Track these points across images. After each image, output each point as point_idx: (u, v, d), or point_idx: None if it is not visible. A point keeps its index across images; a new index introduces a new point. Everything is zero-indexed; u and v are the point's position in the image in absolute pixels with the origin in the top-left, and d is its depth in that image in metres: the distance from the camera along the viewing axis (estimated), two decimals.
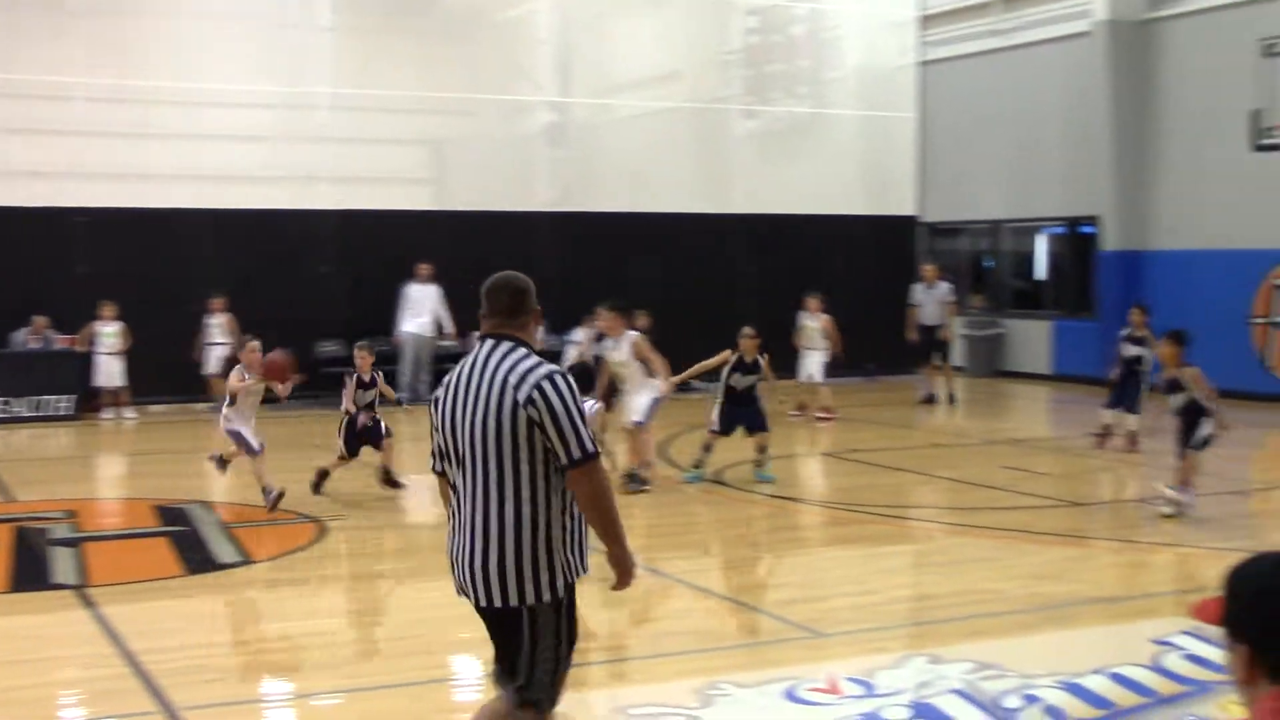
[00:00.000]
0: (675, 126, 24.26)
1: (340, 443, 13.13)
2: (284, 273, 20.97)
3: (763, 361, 14.18)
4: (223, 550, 10.91)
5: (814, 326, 19.27)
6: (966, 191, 25.91)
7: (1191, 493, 11.81)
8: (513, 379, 4.91)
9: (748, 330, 14.33)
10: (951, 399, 21.02)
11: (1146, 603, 9.25)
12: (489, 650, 5.20)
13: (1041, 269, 26.25)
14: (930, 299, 21.42)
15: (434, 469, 5.26)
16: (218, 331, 19.85)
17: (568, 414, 4.85)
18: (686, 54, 24.67)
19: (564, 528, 4.97)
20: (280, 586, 9.87)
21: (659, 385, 13.42)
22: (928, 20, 26.11)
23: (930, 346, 21.46)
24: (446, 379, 5.20)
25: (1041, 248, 26.11)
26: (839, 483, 14.13)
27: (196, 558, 10.58)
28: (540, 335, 5.28)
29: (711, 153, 24.66)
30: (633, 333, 13.69)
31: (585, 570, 5.10)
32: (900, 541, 11.74)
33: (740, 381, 14.00)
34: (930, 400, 21.17)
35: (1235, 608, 2.75)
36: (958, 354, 24.93)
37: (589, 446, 4.87)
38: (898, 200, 25.68)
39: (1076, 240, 24.44)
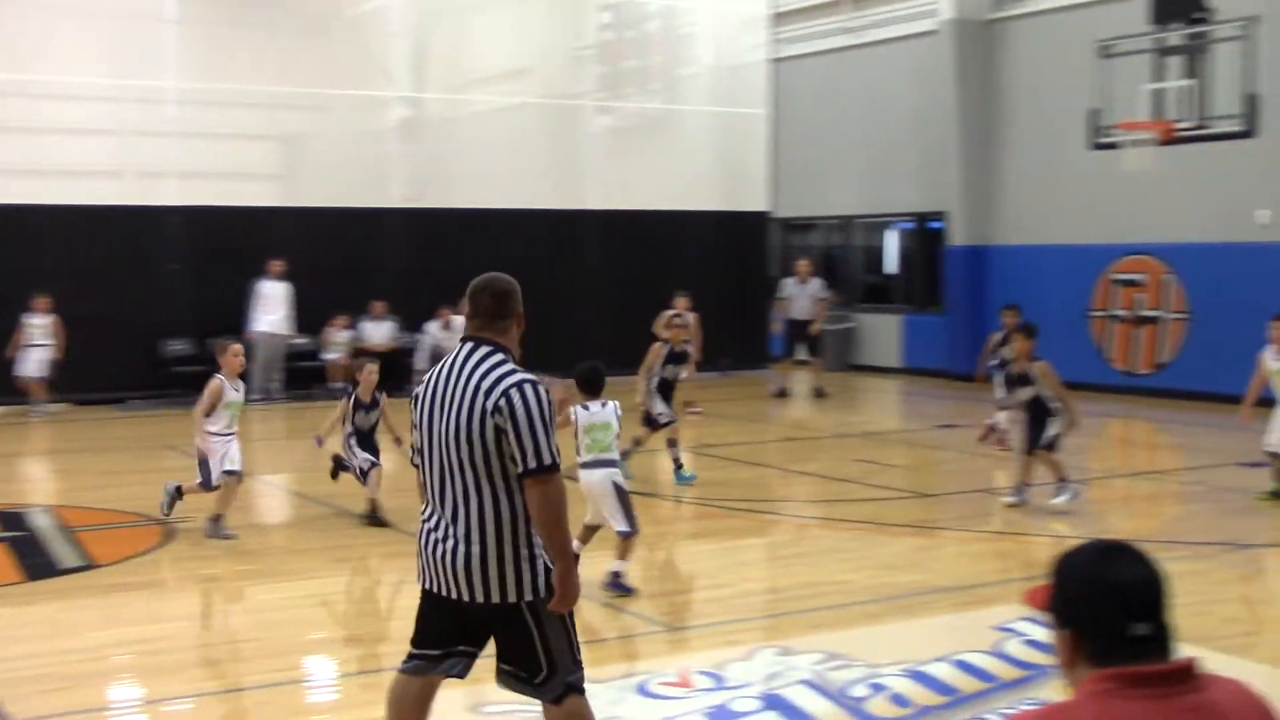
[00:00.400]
0: (529, 122, 24.24)
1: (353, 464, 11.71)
2: (130, 270, 20.52)
3: (690, 349, 14.23)
4: (65, 555, 10.66)
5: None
6: (818, 187, 26.26)
7: (1026, 491, 12.07)
8: (485, 385, 4.98)
9: (677, 319, 14.47)
10: (819, 393, 21.24)
11: (990, 590, 9.45)
12: (344, 651, 5.16)
13: (892, 264, 26.70)
14: (803, 294, 21.64)
15: (413, 462, 5.37)
16: (39, 333, 19.11)
17: (530, 423, 4.90)
18: (540, 50, 24.66)
19: (527, 529, 5.05)
20: (126, 591, 9.67)
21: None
22: (779, 17, 26.39)
23: (798, 341, 21.72)
24: (427, 377, 5.26)
25: (892, 243, 26.56)
26: (702, 477, 14.22)
27: (36, 563, 10.32)
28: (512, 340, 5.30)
29: (565, 149, 24.67)
30: None
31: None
32: (754, 535, 11.86)
33: (673, 371, 13.98)
34: (783, 394, 21.39)
35: (1058, 595, 2.85)
36: (786, 351, 25.28)
37: (546, 459, 4.90)
38: (750, 196, 25.91)
39: (925, 235, 24.90)
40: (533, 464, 4.89)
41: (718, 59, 26.02)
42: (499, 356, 5.10)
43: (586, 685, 5.27)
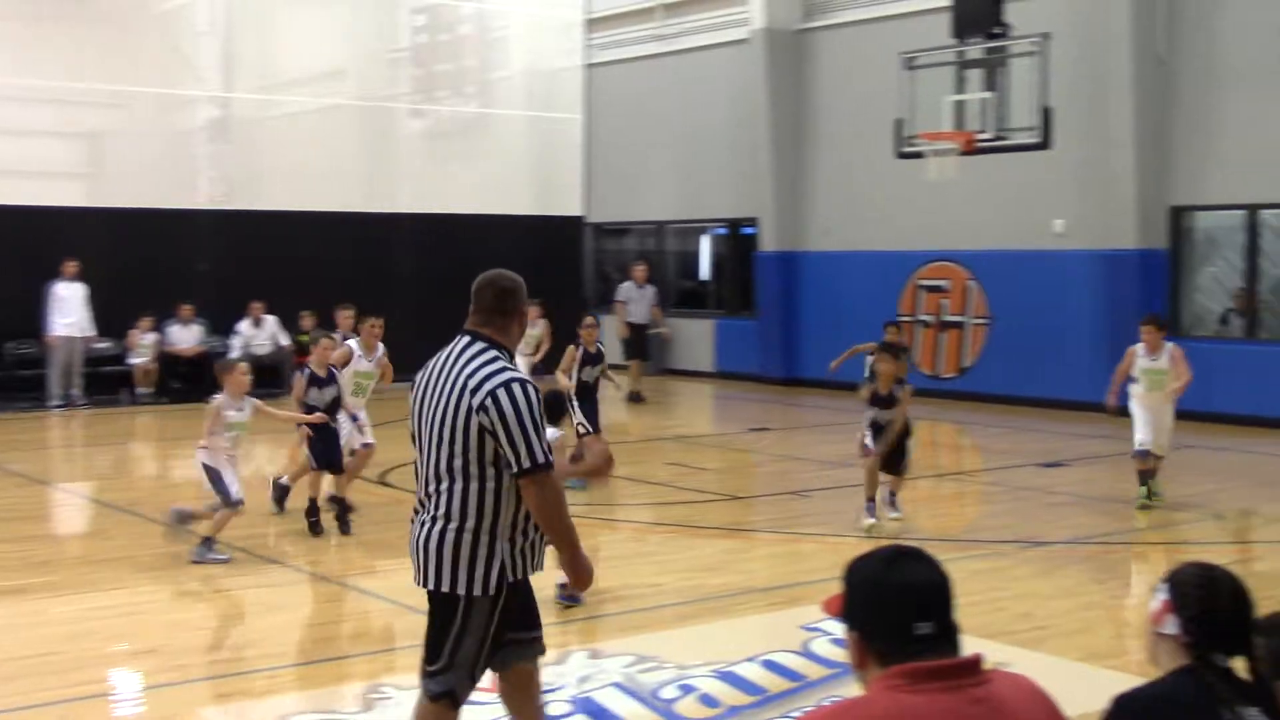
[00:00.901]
0: (342, 124, 23.97)
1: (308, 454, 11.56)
2: None
3: (603, 349, 14.28)
4: None
5: (534, 334, 19.05)
6: (632, 192, 26.44)
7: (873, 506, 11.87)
8: (472, 383, 4.99)
9: (588, 319, 14.49)
10: (635, 397, 21.33)
11: (798, 591, 9.62)
12: (146, 662, 5.05)
13: (705, 269, 26.99)
14: (641, 298, 21.69)
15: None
16: None
17: (519, 423, 4.91)
18: (353, 51, 24.41)
19: (513, 525, 5.07)
20: None
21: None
22: (594, 23, 26.52)
23: (638, 345, 21.85)
24: (425, 366, 5.30)
25: (705, 248, 26.85)
26: None
27: None
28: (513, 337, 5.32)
29: (379, 151, 24.45)
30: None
31: (536, 568, 5.26)
32: None
33: (590, 374, 13.93)
34: (637, 398, 21.35)
35: (848, 598, 2.94)
36: (621, 353, 25.40)
37: (539, 457, 4.93)
38: (565, 200, 25.97)
39: (738, 241, 25.23)
40: (526, 464, 4.92)
41: (532, 63, 26.03)
42: (491, 354, 5.10)
43: (394, 693, 5.25)
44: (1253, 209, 18.57)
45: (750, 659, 7.73)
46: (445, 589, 5.06)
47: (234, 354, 20.70)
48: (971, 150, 16.76)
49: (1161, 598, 3.55)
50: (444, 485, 5.06)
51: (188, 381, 21.22)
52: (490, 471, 4.99)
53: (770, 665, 7.67)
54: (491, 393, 4.94)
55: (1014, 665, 7.16)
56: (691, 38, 25.44)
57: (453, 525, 5.03)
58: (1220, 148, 18.53)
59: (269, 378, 21.71)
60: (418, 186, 24.29)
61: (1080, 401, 19.27)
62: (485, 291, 5.30)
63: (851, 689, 7.06)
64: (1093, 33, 19.14)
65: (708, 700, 7.15)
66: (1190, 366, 12.64)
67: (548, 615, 9.02)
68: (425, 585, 5.14)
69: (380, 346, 12.65)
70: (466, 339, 5.19)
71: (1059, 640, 8.28)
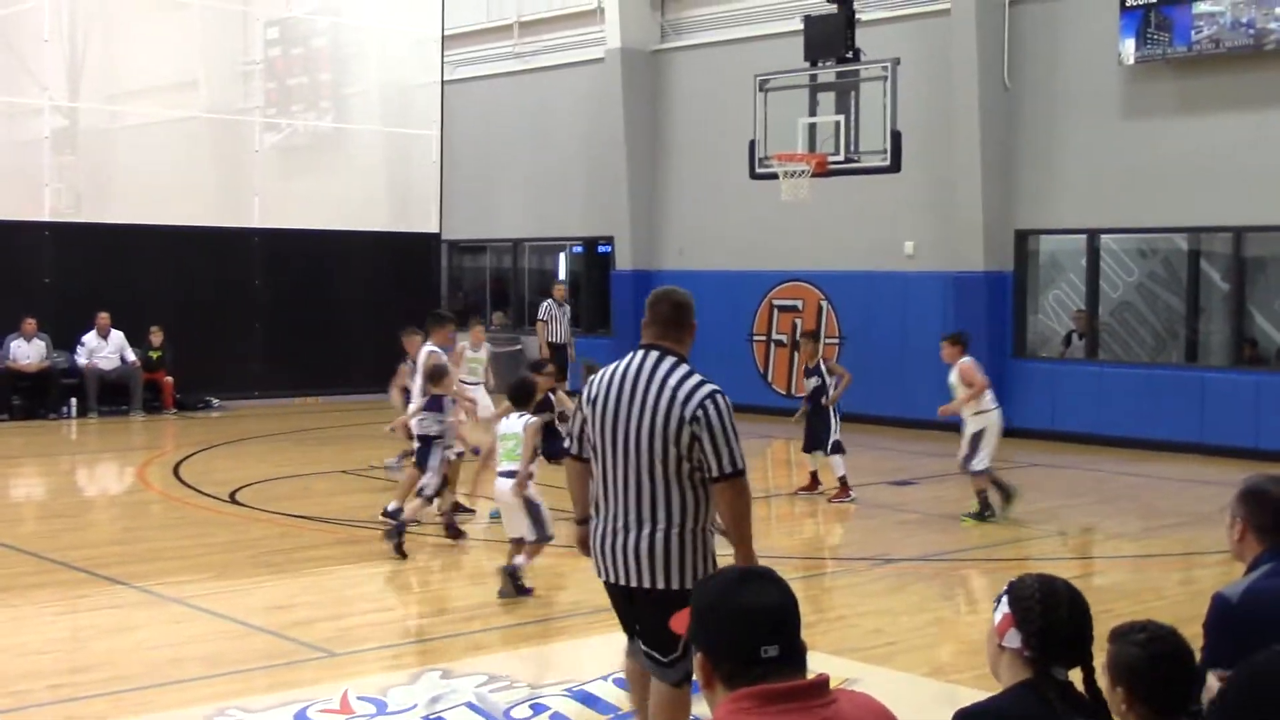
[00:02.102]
0: (192, 136, 23.53)
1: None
2: None
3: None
4: None
5: (479, 357, 18.39)
6: (489, 210, 26.37)
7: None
8: (681, 394, 5.34)
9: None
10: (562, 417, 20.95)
11: None
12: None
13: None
14: (563, 316, 21.37)
15: (571, 452, 5.76)
16: None
17: (724, 432, 5.32)
18: (205, 62, 24.03)
19: (708, 525, 5.50)
20: None
21: None
22: (451, 39, 26.40)
23: (560, 365, 21.24)
24: (599, 377, 5.59)
25: (562, 266, 26.86)
26: (356, 500, 14.04)
27: None
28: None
29: (231, 165, 24.06)
30: None
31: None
32: (419, 558, 11.78)
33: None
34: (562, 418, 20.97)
35: (694, 619, 2.96)
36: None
37: (739, 464, 5.36)
38: (421, 217, 25.78)
39: (595, 259, 25.28)
40: (728, 469, 5.33)
41: (388, 79, 25.84)
42: (686, 367, 5.45)
43: (240, 715, 5.17)
44: (1093, 233, 19.09)
45: (603, 677, 7.73)
46: (675, 586, 5.39)
47: (79, 366, 20.29)
48: (823, 172, 16.99)
49: (1003, 611, 3.61)
50: (647, 490, 5.40)
51: (30, 398, 20.69)
52: (696, 476, 5.38)
53: (621, 684, 7.66)
54: (701, 403, 5.31)
55: (865, 681, 7.26)
56: (548, 56, 25.48)
57: (667, 527, 5.41)
58: (1062, 173, 19.03)
59: (114, 395, 21.29)
60: (271, 201, 23.94)
61: (930, 420, 19.61)
62: (663, 305, 5.60)
63: (702, 707, 7.11)
64: (941, 59, 19.55)
65: (559, 719, 7.14)
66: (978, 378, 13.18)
67: (395, 636, 8.96)
68: (646, 585, 5.42)
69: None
70: (654, 353, 5.49)
71: (909, 655, 8.41)
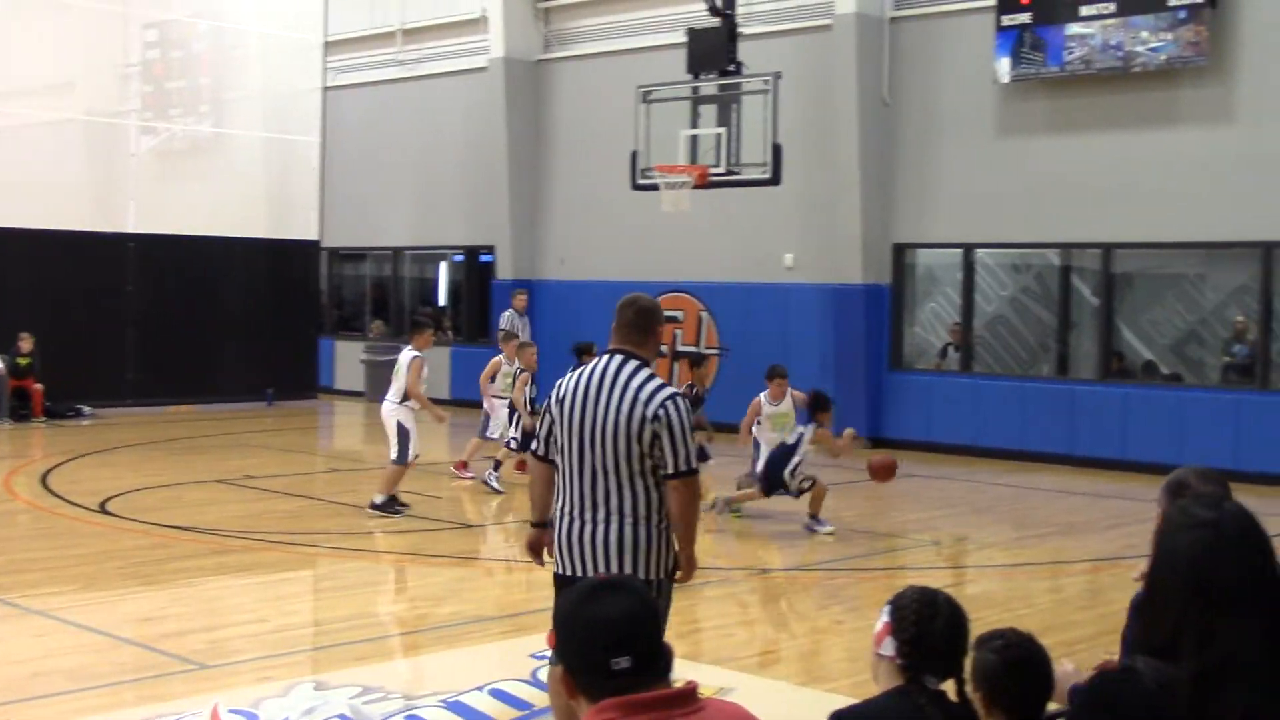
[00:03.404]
0: (66, 139, 23.09)
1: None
2: None
3: None
4: None
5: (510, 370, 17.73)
6: (370, 218, 26.16)
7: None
8: (644, 394, 5.63)
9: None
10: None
11: (529, 619, 9.60)
12: None
13: (443, 296, 26.86)
14: (524, 326, 20.92)
15: (537, 453, 5.98)
16: None
17: (682, 432, 5.63)
18: (80, 64, 23.58)
19: (667, 522, 5.74)
20: None
21: None
22: (333, 46, 26.19)
23: None
24: (568, 380, 5.84)
25: (443, 275, 26.73)
26: (230, 510, 13.84)
27: None
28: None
29: (106, 168, 23.64)
30: None
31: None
32: (294, 568, 11.66)
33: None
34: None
35: (556, 632, 2.97)
36: (360, 380, 25.10)
37: (692, 463, 5.67)
38: (301, 224, 25.52)
39: (476, 268, 25.19)
40: (683, 467, 5.64)
41: (269, 84, 25.55)
42: (648, 370, 5.77)
43: None
44: (969, 248, 19.41)
45: (478, 688, 7.69)
46: (644, 577, 5.63)
47: None
48: (704, 184, 17.12)
49: (883, 620, 3.69)
50: (613, 486, 5.66)
51: None
52: (654, 473, 5.66)
53: (498, 694, 7.65)
54: (663, 404, 5.61)
55: (741, 690, 7.30)
56: (431, 64, 25.36)
57: (632, 520, 5.66)
58: (940, 189, 19.33)
59: None
60: (147, 206, 23.55)
61: None
62: (627, 311, 5.91)
63: None
64: (822, 74, 19.76)
65: None
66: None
67: (268, 648, 8.84)
68: None
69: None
70: (618, 357, 5.78)
71: (785, 665, 8.48)
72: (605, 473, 5.70)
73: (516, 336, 16.96)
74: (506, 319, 21.38)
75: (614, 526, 5.69)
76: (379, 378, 25.13)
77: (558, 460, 5.85)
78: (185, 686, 7.88)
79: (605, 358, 5.84)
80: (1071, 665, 4.00)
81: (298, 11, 25.57)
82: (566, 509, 5.82)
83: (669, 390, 5.70)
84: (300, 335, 25.01)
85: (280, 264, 24.87)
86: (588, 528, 5.73)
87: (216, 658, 8.46)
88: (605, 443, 5.67)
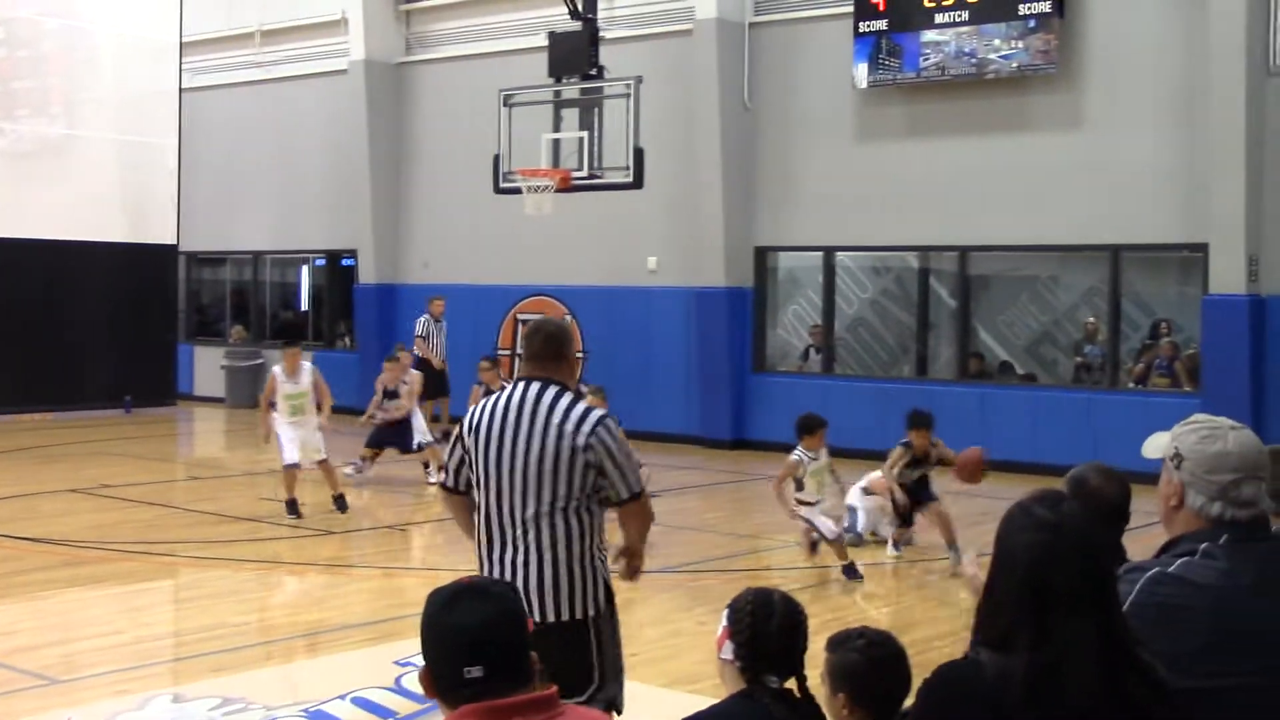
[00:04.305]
0: None
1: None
2: None
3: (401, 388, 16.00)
4: None
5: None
6: (230, 221, 25.78)
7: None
8: (570, 422, 5.25)
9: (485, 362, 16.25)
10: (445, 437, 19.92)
11: (394, 625, 9.55)
12: None
13: (305, 300, 26.56)
14: (439, 332, 20.23)
15: (446, 485, 5.58)
16: None
17: (623, 457, 5.32)
18: None
19: (598, 549, 5.39)
20: None
21: None
22: (190, 47, 25.72)
23: (440, 382, 20.12)
24: (480, 408, 5.44)
25: (304, 279, 26.43)
26: (85, 520, 13.55)
27: None
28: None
29: None
30: None
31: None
32: (152, 578, 11.46)
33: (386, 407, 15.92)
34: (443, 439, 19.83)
35: (421, 635, 2.97)
36: (221, 385, 24.72)
37: (638, 486, 5.39)
38: (158, 228, 25.00)
39: (338, 272, 24.94)
40: (634, 490, 5.36)
41: (123, 85, 25.00)
42: (570, 395, 5.39)
43: None
44: (829, 250, 19.67)
45: (340, 696, 7.63)
46: (572, 616, 5.30)
47: None
48: (567, 188, 17.14)
49: (721, 625, 3.74)
50: (541, 520, 5.27)
51: None
52: (587, 503, 5.31)
53: (360, 703, 7.59)
54: (594, 431, 5.25)
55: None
56: (290, 66, 25.06)
57: (552, 557, 5.28)
58: (801, 192, 19.56)
59: None
60: None
61: (672, 433, 19.95)
62: (534, 339, 5.53)
63: None
64: (683, 78, 19.89)
65: None
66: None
67: (124, 661, 8.68)
68: (550, 619, 5.27)
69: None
70: (536, 384, 5.37)
71: (648, 667, 8.51)
72: (525, 507, 5.28)
73: (399, 358, 17.08)
74: (422, 325, 20.75)
75: (534, 566, 5.27)
76: (239, 383, 24.85)
77: (473, 492, 5.45)
78: (37, 702, 7.71)
79: (521, 385, 5.40)
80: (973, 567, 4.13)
81: (152, 11, 25.06)
82: (485, 548, 5.41)
83: (596, 414, 5.32)
84: (158, 341, 24.54)
85: (137, 268, 24.36)
86: (507, 570, 5.30)
87: (70, 672, 8.30)
88: (527, 476, 5.26)
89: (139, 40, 25.08)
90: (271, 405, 14.27)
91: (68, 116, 24.54)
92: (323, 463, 14.08)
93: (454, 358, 20.24)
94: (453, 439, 5.56)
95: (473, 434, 5.42)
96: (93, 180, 24.19)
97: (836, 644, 3.76)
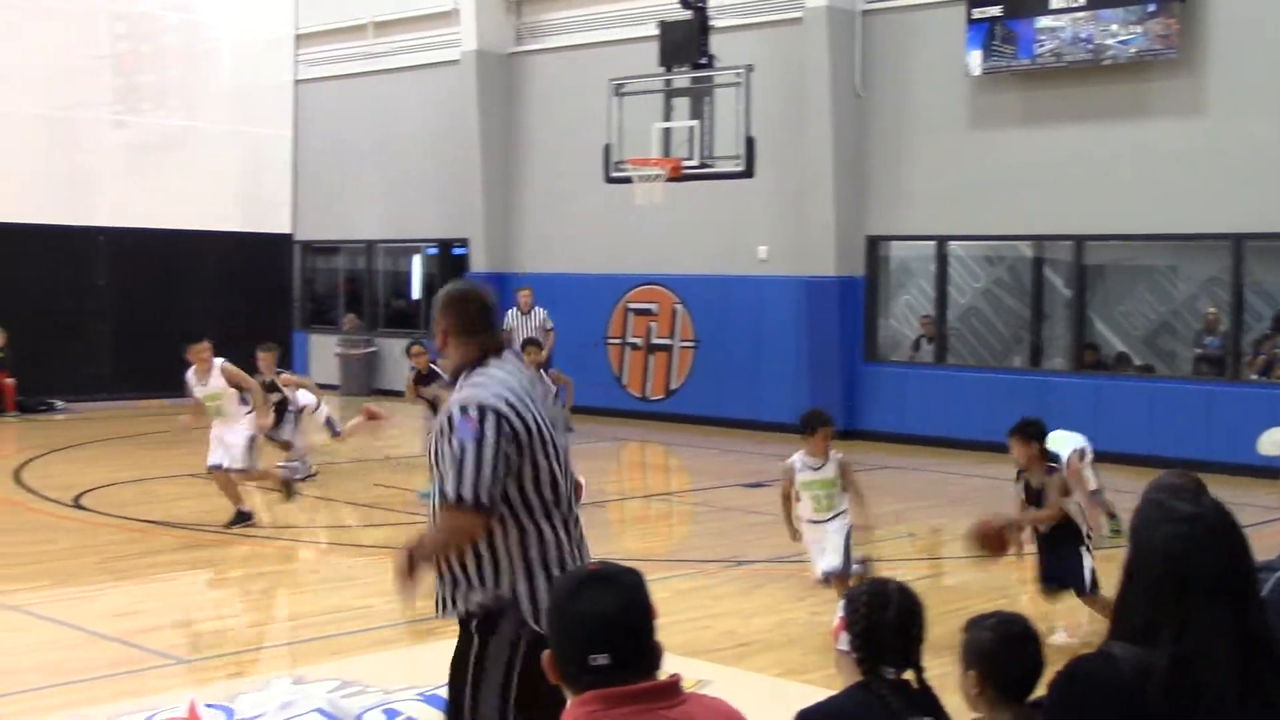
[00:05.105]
0: (33, 132, 22.92)
1: None
2: None
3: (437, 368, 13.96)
4: None
5: None
6: (342, 211, 26.09)
7: None
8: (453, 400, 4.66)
9: (415, 347, 14.91)
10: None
11: None
12: None
13: (416, 289, 26.81)
14: (527, 326, 19.90)
15: (482, 505, 4.66)
16: None
17: (455, 449, 4.48)
18: (49, 57, 23.38)
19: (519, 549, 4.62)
20: None
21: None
22: (304, 39, 26.10)
23: None
24: (513, 386, 4.75)
25: (416, 268, 26.67)
26: (203, 504, 13.80)
27: None
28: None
29: (75, 162, 23.50)
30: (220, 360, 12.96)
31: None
32: (269, 562, 11.64)
33: (428, 392, 14.17)
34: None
35: (545, 619, 3.00)
36: (335, 373, 25.02)
37: (451, 491, 4.47)
38: (274, 217, 25.45)
39: (449, 261, 25.15)
40: (449, 493, 4.51)
41: (240, 77, 25.45)
42: (477, 374, 4.69)
43: None
44: (941, 240, 19.47)
45: None
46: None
47: None
48: (678, 177, 17.13)
49: (838, 615, 3.73)
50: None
51: None
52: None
53: None
54: (449, 413, 4.64)
55: (717, 682, 7.32)
56: (403, 57, 25.28)
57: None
58: (912, 181, 19.37)
59: None
60: (117, 199, 23.45)
61: (781, 423, 19.87)
62: (472, 304, 4.90)
63: None
64: (794, 66, 19.78)
65: None
66: None
67: (245, 643, 8.83)
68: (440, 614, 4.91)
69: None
70: (509, 354, 4.84)
71: (760, 657, 8.50)
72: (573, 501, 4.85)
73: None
74: (509, 318, 20.65)
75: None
76: (353, 371, 25.17)
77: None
78: (161, 681, 7.87)
79: (507, 359, 4.82)
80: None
81: (267, 5, 25.47)
82: (568, 550, 4.80)
83: (465, 394, 4.62)
84: (274, 329, 24.91)
85: (253, 257, 24.81)
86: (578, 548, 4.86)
87: (192, 652, 8.46)
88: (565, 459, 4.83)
89: (255, 34, 25.50)
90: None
91: (187, 109, 25.00)
92: (235, 471, 12.68)
93: (563, 346, 20.27)
94: (487, 442, 4.53)
95: (528, 417, 4.63)
96: (211, 171, 24.66)
97: (971, 624, 3.76)
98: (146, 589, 10.33)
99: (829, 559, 9.14)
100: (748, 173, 16.92)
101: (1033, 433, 8.90)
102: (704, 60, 17.25)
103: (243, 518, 12.46)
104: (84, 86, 24.00)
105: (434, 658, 8.42)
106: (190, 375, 13.10)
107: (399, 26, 25.40)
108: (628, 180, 17.50)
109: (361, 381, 25.05)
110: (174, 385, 22.91)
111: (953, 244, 19.66)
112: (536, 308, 20.15)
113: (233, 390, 12.88)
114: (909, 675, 3.69)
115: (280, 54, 25.58)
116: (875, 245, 19.98)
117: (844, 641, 3.68)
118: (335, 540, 12.30)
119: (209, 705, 7.19)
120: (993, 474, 16.70)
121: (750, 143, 16.66)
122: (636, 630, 2.96)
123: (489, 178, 23.66)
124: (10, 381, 21.30)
